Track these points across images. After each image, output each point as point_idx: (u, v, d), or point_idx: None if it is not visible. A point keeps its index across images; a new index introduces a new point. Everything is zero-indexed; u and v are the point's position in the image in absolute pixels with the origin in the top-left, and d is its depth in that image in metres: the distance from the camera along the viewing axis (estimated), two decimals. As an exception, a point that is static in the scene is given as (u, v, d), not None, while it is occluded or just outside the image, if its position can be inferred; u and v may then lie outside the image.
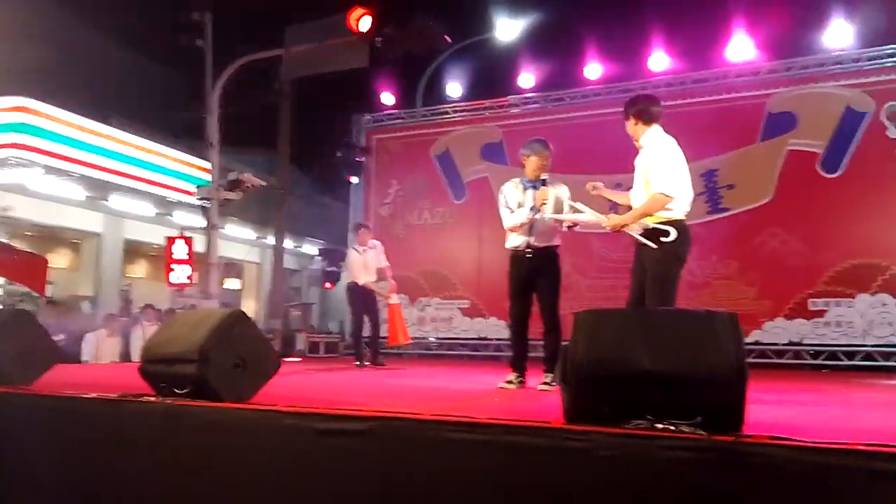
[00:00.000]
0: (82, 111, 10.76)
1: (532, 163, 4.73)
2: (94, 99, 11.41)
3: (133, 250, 14.32)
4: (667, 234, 3.89)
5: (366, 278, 7.41)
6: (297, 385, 4.71)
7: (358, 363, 7.42)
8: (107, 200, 11.94)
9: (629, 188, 4.28)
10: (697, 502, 1.97)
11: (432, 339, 10.86)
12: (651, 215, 3.95)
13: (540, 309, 4.74)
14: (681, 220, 3.96)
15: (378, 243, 7.74)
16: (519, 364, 4.74)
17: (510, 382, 4.64)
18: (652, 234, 3.94)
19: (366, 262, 7.46)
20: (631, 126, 4.20)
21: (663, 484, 1.99)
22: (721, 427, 2.06)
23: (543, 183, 4.69)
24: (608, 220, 4.19)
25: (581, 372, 2.26)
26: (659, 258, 3.93)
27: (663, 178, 3.91)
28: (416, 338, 10.70)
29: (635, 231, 4.02)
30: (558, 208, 4.66)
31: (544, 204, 4.60)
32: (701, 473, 1.96)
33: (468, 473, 2.24)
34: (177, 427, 2.83)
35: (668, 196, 3.89)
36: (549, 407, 3.01)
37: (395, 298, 7.64)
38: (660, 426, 2.09)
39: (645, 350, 2.18)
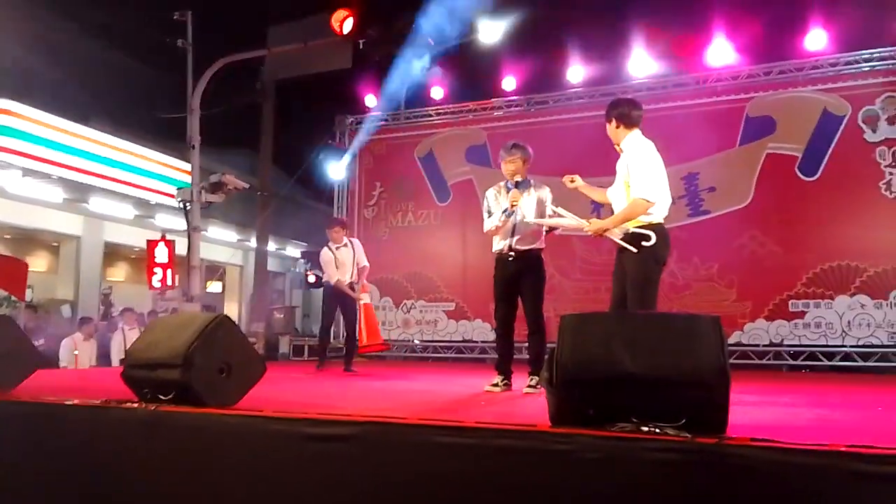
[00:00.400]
0: (60, 112, 10.63)
1: (503, 166, 4.80)
2: (73, 100, 11.28)
3: (113, 253, 14.17)
4: (648, 238, 3.91)
5: (339, 277, 7.04)
6: (282, 389, 4.69)
7: (320, 364, 7.15)
8: (86, 203, 11.80)
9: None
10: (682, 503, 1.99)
11: (417, 342, 10.83)
12: (632, 220, 3.99)
13: (524, 311, 4.77)
14: (660, 224, 3.99)
15: (356, 241, 7.44)
16: (504, 367, 4.77)
17: (496, 385, 4.66)
18: (633, 238, 3.96)
19: (340, 260, 7.09)
20: (612, 129, 4.22)
21: (648, 485, 2.02)
22: (705, 429, 2.09)
23: (517, 185, 4.73)
24: (590, 225, 4.22)
25: (566, 375, 2.27)
26: (638, 262, 3.95)
27: (644, 183, 3.93)
28: (400, 341, 10.71)
29: (616, 235, 4.04)
30: (540, 210, 4.69)
31: (514, 205, 4.63)
32: (685, 475, 1.99)
33: (455, 477, 2.25)
34: (160, 433, 2.81)
35: (648, 201, 3.92)
36: (535, 410, 3.02)
37: (366, 298, 7.36)
38: (644, 428, 2.11)
39: (629, 353, 2.20)
